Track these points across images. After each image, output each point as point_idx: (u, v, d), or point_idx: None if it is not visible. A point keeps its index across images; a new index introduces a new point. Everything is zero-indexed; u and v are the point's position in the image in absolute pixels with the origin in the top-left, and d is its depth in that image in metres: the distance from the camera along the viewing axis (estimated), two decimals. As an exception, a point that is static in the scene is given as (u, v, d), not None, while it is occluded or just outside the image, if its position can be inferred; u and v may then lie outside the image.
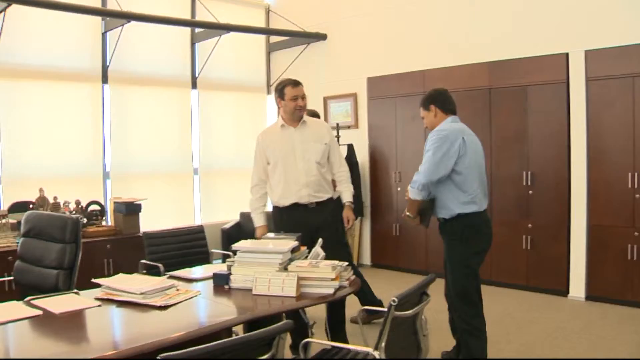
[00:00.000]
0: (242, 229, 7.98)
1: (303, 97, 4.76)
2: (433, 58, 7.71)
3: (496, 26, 7.18)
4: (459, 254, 4.39)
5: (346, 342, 4.66)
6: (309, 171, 4.74)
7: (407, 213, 4.51)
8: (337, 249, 4.56)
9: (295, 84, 4.77)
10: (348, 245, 5.08)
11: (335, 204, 4.92)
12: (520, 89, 6.92)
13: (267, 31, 9.48)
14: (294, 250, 3.80)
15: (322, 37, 9.02)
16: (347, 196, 4.91)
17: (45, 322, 3.10)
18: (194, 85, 8.85)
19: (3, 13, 6.73)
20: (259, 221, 4.91)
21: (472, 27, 7.41)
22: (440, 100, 4.59)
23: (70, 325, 3.14)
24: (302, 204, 4.75)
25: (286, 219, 4.82)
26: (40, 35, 7.30)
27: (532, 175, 6.86)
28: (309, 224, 4.69)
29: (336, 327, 4.81)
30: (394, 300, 2.90)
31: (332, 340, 4.57)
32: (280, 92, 4.79)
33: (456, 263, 4.39)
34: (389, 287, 6.40)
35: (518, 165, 6.99)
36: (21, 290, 4.32)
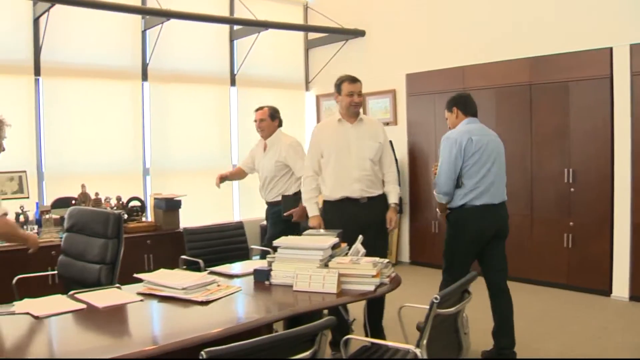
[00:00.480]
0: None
1: (359, 94, 4.82)
2: (472, 54, 7.63)
3: (537, 21, 7.08)
4: (449, 241, 4.86)
5: (384, 338, 4.65)
6: (361, 167, 4.78)
7: (440, 213, 4.98)
8: (381, 249, 4.66)
9: (353, 80, 4.83)
10: (387, 244, 5.09)
11: (385, 202, 4.92)
12: (561, 85, 6.81)
13: (306, 28, 9.48)
14: (334, 246, 3.80)
15: (360, 33, 8.99)
16: (393, 197, 4.91)
17: (89, 315, 3.14)
18: (233, 82, 8.90)
19: (47, 13, 6.84)
20: (312, 211, 4.96)
21: (512, 22, 7.32)
22: (461, 102, 5.00)
23: (113, 319, 3.18)
24: (353, 199, 4.79)
25: (336, 212, 4.86)
26: (81, 34, 7.42)
27: (574, 173, 6.75)
28: (359, 219, 4.72)
29: (375, 324, 4.81)
30: (436, 298, 2.87)
31: (371, 336, 4.56)
32: (338, 87, 4.87)
33: (446, 249, 4.87)
34: (427, 284, 6.36)
35: (559, 163, 6.88)
36: (64, 284, 4.38)
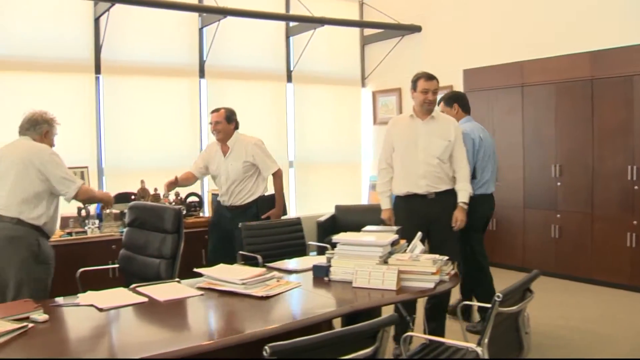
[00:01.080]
0: (337, 222, 8.00)
1: (434, 92, 4.81)
2: (531, 49, 7.47)
3: (599, 13, 6.90)
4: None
5: (443, 336, 4.60)
6: (428, 163, 4.78)
7: None
8: (448, 245, 4.65)
9: (429, 77, 4.83)
10: (459, 244, 5.02)
11: (456, 199, 4.88)
12: (625, 79, 6.62)
13: (362, 24, 9.45)
14: (393, 243, 3.78)
15: (416, 29, 8.91)
16: (462, 196, 4.85)
17: (151, 308, 3.20)
18: (289, 78, 8.92)
19: (107, 13, 6.98)
20: (384, 204, 5.03)
21: (572, 15, 7.14)
22: (462, 100, 5.56)
23: (174, 312, 3.22)
24: (420, 194, 4.79)
25: (404, 207, 4.91)
26: (140, 32, 7.57)
27: (638, 170, 6.57)
28: (425, 214, 4.76)
29: (438, 321, 4.77)
30: (498, 296, 2.83)
31: (430, 333, 4.53)
32: (414, 83, 4.89)
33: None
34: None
35: (622, 160, 6.69)
36: (125, 278, 4.47)
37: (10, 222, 4.04)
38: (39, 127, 4.30)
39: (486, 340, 2.86)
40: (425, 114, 4.87)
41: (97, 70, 7.30)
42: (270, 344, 1.98)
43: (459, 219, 4.79)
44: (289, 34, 8.91)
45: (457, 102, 5.51)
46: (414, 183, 4.81)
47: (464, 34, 8.36)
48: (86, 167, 6.55)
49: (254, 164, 5.73)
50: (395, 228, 4.12)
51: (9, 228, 4.03)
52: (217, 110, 5.85)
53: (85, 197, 4.41)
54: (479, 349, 2.85)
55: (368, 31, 9.59)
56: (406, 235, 4.10)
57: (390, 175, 5.03)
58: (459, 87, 8.33)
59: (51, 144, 4.35)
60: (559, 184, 7.18)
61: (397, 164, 4.94)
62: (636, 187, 6.57)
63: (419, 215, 4.74)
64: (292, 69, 8.93)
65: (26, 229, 4.06)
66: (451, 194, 4.85)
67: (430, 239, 4.77)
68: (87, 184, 6.39)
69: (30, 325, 2.78)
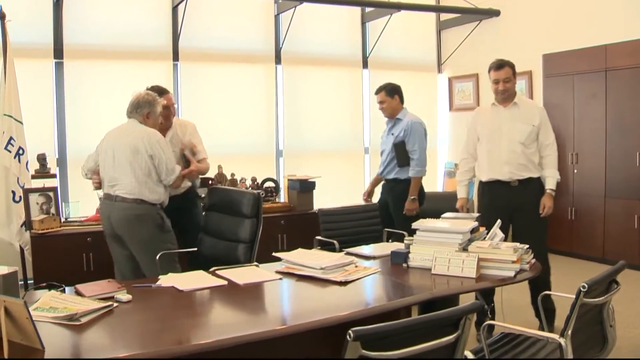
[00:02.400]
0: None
1: (505, 81, 4.78)
2: (616, 31, 7.17)
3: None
4: None
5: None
6: (511, 150, 4.77)
7: None
8: (532, 234, 4.55)
9: (498, 67, 4.83)
10: (546, 231, 4.95)
11: (541, 186, 4.85)
12: None
13: (438, 9, 9.31)
14: (473, 230, 3.73)
15: (495, 13, 8.73)
16: (549, 182, 4.81)
17: (231, 291, 3.23)
18: (365, 65, 8.88)
19: (185, 1, 7.09)
20: (460, 193, 5.13)
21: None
22: (400, 91, 5.93)
23: (254, 296, 3.26)
24: (504, 182, 4.80)
25: (487, 194, 4.96)
26: (217, 20, 7.66)
27: None
28: (508, 202, 4.76)
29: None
30: (583, 286, 2.76)
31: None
32: (489, 73, 4.92)
33: None
34: (563, 273, 6.11)
35: None
36: (204, 261, 4.52)
37: (134, 203, 4.34)
38: (140, 110, 4.50)
39: (569, 332, 2.79)
40: (506, 100, 4.84)
41: (175, 57, 7.43)
42: (354, 329, 1.97)
43: (546, 205, 4.75)
44: (364, 19, 8.85)
45: (398, 93, 5.85)
46: (497, 170, 4.82)
47: (543, 17, 8.13)
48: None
49: None
50: (475, 215, 4.06)
51: (134, 207, 4.34)
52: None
53: (178, 184, 4.60)
54: (562, 340, 2.78)
55: (444, 16, 9.45)
56: (488, 221, 4.08)
57: (470, 164, 5.07)
58: (539, 72, 8.15)
59: (155, 125, 4.54)
60: (575, 171, 6.95)
61: (482, 152, 4.95)
62: None
63: (501, 202, 4.76)
64: (367, 55, 8.88)
65: (149, 206, 4.38)
66: (535, 181, 4.80)
67: (513, 226, 4.76)
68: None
69: (115, 304, 2.85)
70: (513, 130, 4.77)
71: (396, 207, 5.51)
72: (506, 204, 4.74)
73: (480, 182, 5.06)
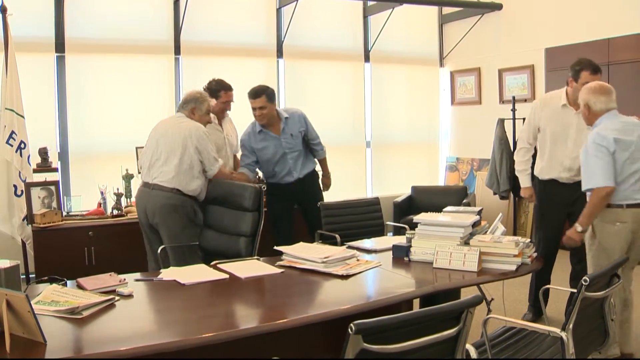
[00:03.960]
0: (413, 203, 7.95)
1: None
2: (620, 24, 7.14)
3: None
4: None
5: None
6: (575, 157, 4.58)
7: None
8: None
9: (595, 71, 4.59)
10: None
11: None
12: None
13: (440, 2, 9.26)
14: (475, 224, 3.72)
15: (497, 6, 8.70)
16: None
17: (232, 285, 3.25)
18: (367, 58, 8.86)
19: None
20: (524, 182, 5.06)
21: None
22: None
23: (255, 289, 3.28)
24: (561, 182, 4.79)
25: (544, 190, 4.92)
26: (219, 13, 7.64)
27: None
28: (566, 198, 4.72)
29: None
30: (585, 280, 2.76)
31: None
32: (576, 72, 4.67)
33: None
34: (561, 268, 6.11)
35: None
36: (206, 255, 4.54)
37: (171, 192, 4.57)
38: (186, 105, 4.80)
39: (571, 326, 2.79)
40: (578, 105, 4.58)
41: (177, 51, 7.42)
42: (356, 322, 1.98)
43: None
44: (366, 13, 8.83)
45: (274, 98, 5.54)
46: (558, 172, 4.76)
47: (546, 11, 8.10)
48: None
49: None
50: (477, 209, 4.06)
51: (170, 197, 4.57)
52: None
53: (220, 177, 4.77)
54: (563, 334, 2.78)
55: (447, 10, 9.41)
56: (546, 218, 4.38)
57: (530, 154, 5.02)
58: (541, 66, 8.12)
59: (201, 120, 4.79)
60: None
61: (544, 149, 4.86)
62: None
63: (559, 199, 4.73)
64: (369, 48, 8.86)
65: (184, 198, 4.60)
66: None
67: (570, 222, 4.65)
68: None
69: (117, 298, 2.86)
70: (581, 137, 4.53)
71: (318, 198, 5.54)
72: (564, 200, 4.70)
73: (537, 179, 4.99)
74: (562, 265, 5.07)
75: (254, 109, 5.37)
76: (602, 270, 3.02)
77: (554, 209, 4.51)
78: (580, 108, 4.17)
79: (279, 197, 5.49)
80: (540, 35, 8.10)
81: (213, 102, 5.08)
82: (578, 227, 3.96)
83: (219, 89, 5.44)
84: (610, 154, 3.81)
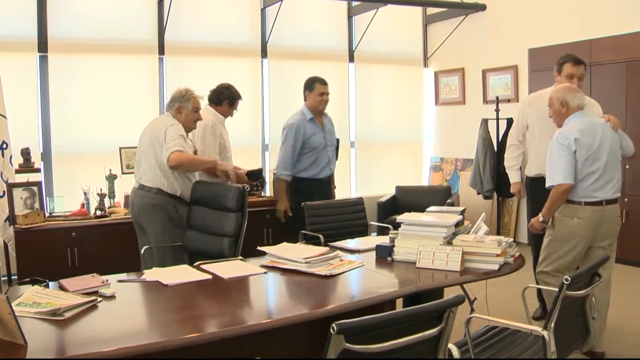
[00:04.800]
0: (397, 203, 7.97)
1: (580, 78, 4.77)
2: (602, 25, 7.20)
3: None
4: None
5: None
6: None
7: None
8: None
9: (577, 62, 4.79)
10: None
11: None
12: None
13: (425, 3, 9.28)
14: (458, 224, 3.74)
15: (481, 7, 8.74)
16: None
17: (215, 285, 3.24)
18: (351, 58, 8.88)
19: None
20: (513, 178, 5.18)
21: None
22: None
23: (238, 290, 3.27)
24: None
25: (532, 187, 5.01)
26: (203, 13, 7.64)
27: None
28: None
29: None
30: (566, 279, 2.78)
31: None
32: (559, 66, 4.87)
33: None
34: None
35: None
36: (189, 255, 4.53)
37: (151, 192, 4.58)
38: (173, 104, 4.74)
39: (552, 324, 2.81)
40: None
41: (161, 51, 7.40)
42: (338, 322, 1.98)
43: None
44: (351, 13, 8.85)
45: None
46: (544, 167, 4.74)
47: (529, 12, 8.14)
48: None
49: None
50: (460, 209, 4.08)
51: (151, 196, 4.58)
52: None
53: (174, 165, 4.50)
54: (545, 333, 2.80)
55: (431, 10, 9.45)
56: (537, 214, 4.28)
57: (520, 150, 5.13)
58: (524, 67, 8.18)
59: (187, 119, 4.71)
60: (627, 167, 6.97)
61: (531, 146, 4.97)
62: None
63: (548, 194, 4.70)
64: (354, 49, 8.88)
65: (166, 198, 4.59)
66: None
67: None
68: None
69: (99, 299, 2.84)
70: None
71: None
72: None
73: (527, 177, 5.09)
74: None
75: (323, 94, 5.76)
76: (582, 269, 3.05)
77: (543, 205, 4.51)
78: (554, 108, 4.28)
79: (308, 195, 5.48)
80: (524, 36, 8.15)
81: (201, 99, 5.00)
82: (540, 217, 4.22)
83: (236, 98, 5.76)
84: (572, 153, 4.02)
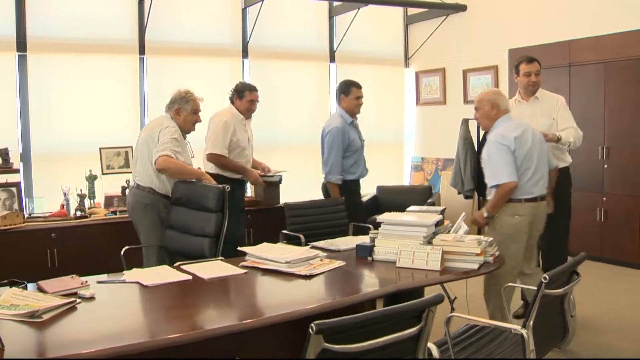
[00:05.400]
0: (379, 202, 7.97)
1: (536, 74, 4.98)
2: (580, 26, 7.27)
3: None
4: None
5: None
6: None
7: None
8: (560, 223, 4.88)
9: (529, 60, 5.03)
10: (568, 219, 5.19)
11: (567, 176, 5.09)
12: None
13: (406, 3, 9.31)
14: (438, 223, 3.76)
15: (461, 8, 8.78)
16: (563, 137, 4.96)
17: (195, 286, 3.22)
18: (332, 58, 8.88)
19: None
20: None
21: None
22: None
23: (218, 290, 3.27)
24: None
25: None
26: (184, 13, 7.61)
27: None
28: None
29: None
30: (545, 278, 2.80)
31: None
32: (516, 68, 5.10)
33: None
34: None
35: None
36: (169, 256, 4.52)
37: (144, 191, 4.67)
38: (171, 105, 4.83)
39: (531, 323, 2.83)
40: (529, 95, 5.02)
41: (142, 51, 7.36)
42: (317, 322, 1.98)
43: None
44: (332, 13, 8.85)
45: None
46: None
47: (509, 13, 8.20)
48: (130, 147, 6.59)
49: None
50: (440, 208, 4.10)
51: (142, 195, 4.68)
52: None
53: (159, 169, 4.51)
54: (523, 331, 2.82)
55: (412, 10, 9.48)
56: None
57: None
58: (504, 67, 8.22)
59: (186, 121, 4.79)
60: (605, 166, 7.04)
61: None
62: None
63: None
64: (335, 49, 8.88)
65: (157, 197, 4.67)
66: (563, 172, 4.95)
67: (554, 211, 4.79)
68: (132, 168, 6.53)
69: (78, 301, 2.82)
70: (534, 124, 4.66)
71: None
72: None
73: None
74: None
75: (359, 97, 5.76)
76: (561, 268, 3.07)
77: None
78: (483, 109, 4.41)
79: (354, 192, 5.80)
80: (504, 36, 8.21)
81: (201, 101, 5.01)
82: (485, 212, 4.28)
83: (243, 90, 5.64)
84: (512, 152, 4.13)
